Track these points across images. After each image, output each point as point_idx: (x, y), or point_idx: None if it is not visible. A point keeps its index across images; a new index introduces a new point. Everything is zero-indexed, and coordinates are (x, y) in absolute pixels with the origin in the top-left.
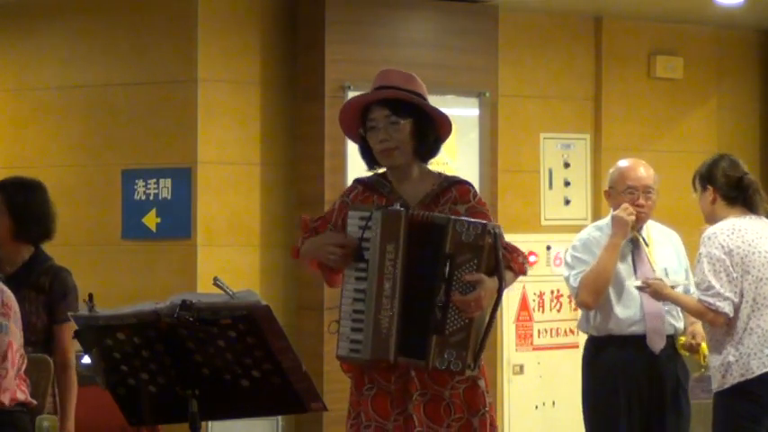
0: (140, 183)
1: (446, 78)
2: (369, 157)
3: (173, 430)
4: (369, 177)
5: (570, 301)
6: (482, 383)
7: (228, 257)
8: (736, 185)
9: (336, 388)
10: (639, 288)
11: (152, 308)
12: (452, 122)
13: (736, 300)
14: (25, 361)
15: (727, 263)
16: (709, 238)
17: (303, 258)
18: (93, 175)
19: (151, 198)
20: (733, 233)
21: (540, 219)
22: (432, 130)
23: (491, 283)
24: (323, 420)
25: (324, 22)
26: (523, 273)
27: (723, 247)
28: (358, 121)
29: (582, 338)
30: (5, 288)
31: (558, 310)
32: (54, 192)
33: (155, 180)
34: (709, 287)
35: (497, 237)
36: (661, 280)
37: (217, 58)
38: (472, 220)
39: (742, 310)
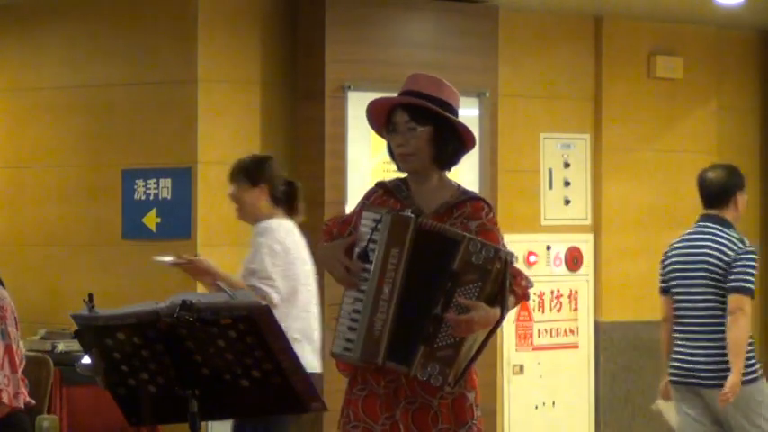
0: (140, 183)
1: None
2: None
3: (173, 430)
4: (390, 181)
5: (570, 301)
6: (471, 396)
7: (228, 257)
8: (288, 189)
9: (336, 388)
10: (173, 263)
11: (152, 308)
12: None
13: (284, 295)
14: (24, 360)
15: (285, 260)
16: (268, 231)
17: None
18: (93, 175)
19: (151, 198)
20: (288, 234)
21: (539, 219)
22: (452, 140)
23: (488, 312)
24: (323, 420)
25: (324, 23)
26: (526, 298)
27: (281, 244)
28: (384, 123)
29: (582, 339)
30: (2, 289)
31: (558, 311)
32: (54, 192)
33: (155, 180)
34: (268, 277)
35: (507, 264)
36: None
37: (217, 58)
38: (487, 243)
39: (280, 309)
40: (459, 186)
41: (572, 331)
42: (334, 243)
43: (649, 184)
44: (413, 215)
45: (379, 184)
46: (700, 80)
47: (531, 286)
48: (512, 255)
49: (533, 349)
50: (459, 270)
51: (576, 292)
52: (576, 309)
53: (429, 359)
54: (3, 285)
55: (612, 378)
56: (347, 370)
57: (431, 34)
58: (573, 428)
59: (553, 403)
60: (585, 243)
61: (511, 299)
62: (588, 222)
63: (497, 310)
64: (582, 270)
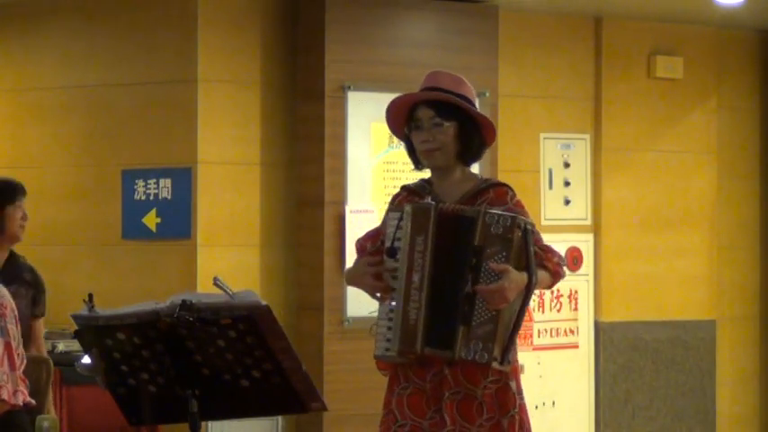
0: (140, 183)
1: None
2: (415, 156)
3: (173, 430)
4: (414, 183)
5: (570, 301)
6: (513, 385)
7: (228, 257)
8: None
9: (336, 388)
10: None
11: (152, 308)
12: None
13: None
14: (24, 361)
15: None
16: None
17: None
18: (93, 175)
19: (151, 198)
20: None
21: (539, 219)
22: (476, 135)
23: (517, 276)
24: (323, 420)
25: (324, 23)
26: (560, 274)
27: None
28: (404, 120)
29: (582, 339)
30: (1, 287)
31: (558, 310)
32: (54, 192)
33: (155, 180)
34: None
35: (528, 232)
36: None
37: (217, 58)
38: (502, 212)
39: None
40: (481, 176)
41: (572, 331)
42: (359, 260)
43: (649, 184)
44: (432, 202)
45: (404, 187)
46: (700, 80)
47: (564, 264)
48: (531, 223)
49: (533, 349)
50: (481, 244)
51: (576, 292)
52: (575, 309)
53: (470, 338)
54: (41, 279)
55: (612, 378)
56: (387, 369)
57: (431, 34)
58: (573, 428)
59: (553, 403)
60: (585, 243)
61: (543, 273)
62: (588, 222)
63: (524, 274)
64: (582, 270)
